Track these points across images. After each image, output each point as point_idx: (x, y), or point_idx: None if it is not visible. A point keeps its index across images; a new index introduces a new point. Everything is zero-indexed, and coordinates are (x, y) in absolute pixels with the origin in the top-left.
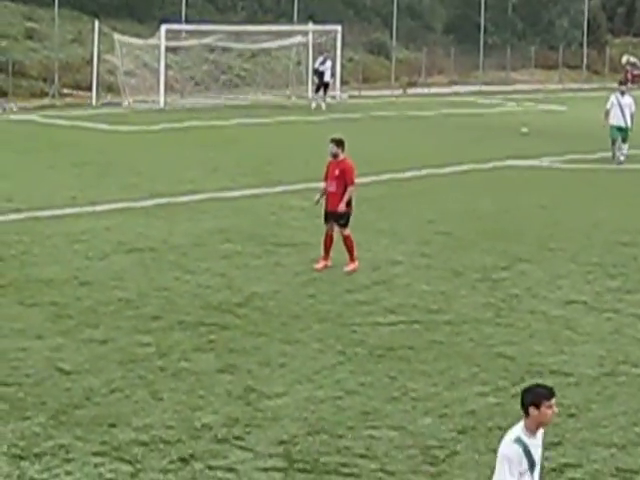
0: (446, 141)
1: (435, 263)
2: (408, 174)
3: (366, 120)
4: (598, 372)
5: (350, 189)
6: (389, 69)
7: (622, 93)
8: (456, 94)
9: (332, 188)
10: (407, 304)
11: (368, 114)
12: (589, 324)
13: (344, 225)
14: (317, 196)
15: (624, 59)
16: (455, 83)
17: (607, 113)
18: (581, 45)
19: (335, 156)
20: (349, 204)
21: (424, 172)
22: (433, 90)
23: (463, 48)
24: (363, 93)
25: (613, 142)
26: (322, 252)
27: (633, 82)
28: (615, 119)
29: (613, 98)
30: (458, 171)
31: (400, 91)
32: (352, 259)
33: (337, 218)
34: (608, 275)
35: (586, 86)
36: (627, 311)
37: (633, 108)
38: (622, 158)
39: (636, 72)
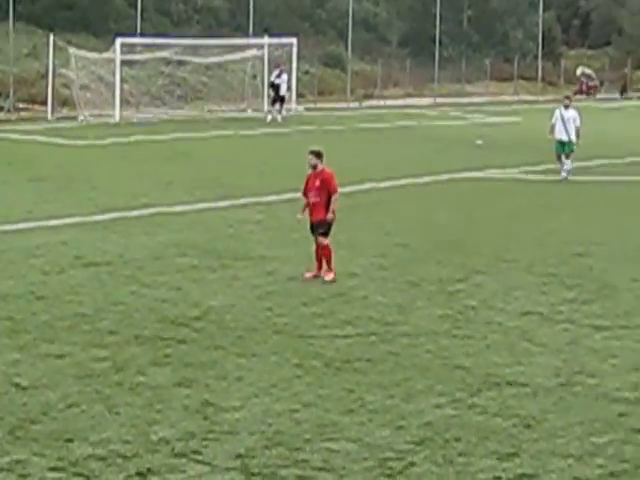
0: (402, 153)
1: (392, 275)
2: (366, 186)
3: (322, 132)
4: (554, 383)
5: (335, 197)
6: (345, 82)
7: (566, 107)
8: (412, 106)
9: (315, 199)
10: (363, 316)
11: (324, 126)
12: (545, 335)
13: (324, 234)
14: (299, 215)
15: (579, 71)
16: (410, 95)
17: (552, 127)
18: (536, 57)
19: (314, 167)
20: (333, 213)
21: (381, 184)
22: (389, 102)
23: (418, 60)
24: (319, 105)
25: (558, 157)
26: (315, 262)
27: (588, 94)
28: (558, 133)
29: (557, 112)
30: (415, 183)
31: (356, 103)
32: (330, 268)
33: (318, 227)
34: (564, 286)
35: (541, 98)
36: (583, 322)
37: (578, 122)
38: (564, 174)
39: (591, 84)
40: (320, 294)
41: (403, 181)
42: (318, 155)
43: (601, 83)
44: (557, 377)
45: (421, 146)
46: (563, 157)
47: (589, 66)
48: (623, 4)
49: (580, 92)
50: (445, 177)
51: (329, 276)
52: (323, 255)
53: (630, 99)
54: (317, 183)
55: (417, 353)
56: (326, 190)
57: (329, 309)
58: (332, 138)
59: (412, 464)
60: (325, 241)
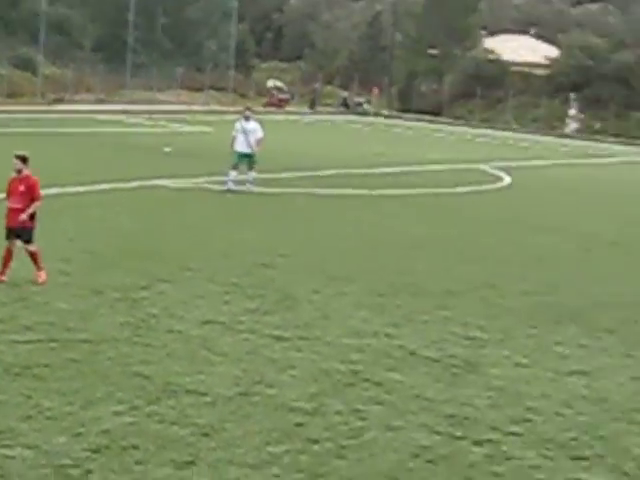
0: (90, 159)
1: (75, 281)
2: (51, 191)
3: (10, 135)
4: (233, 392)
5: (36, 204)
6: (35, 85)
7: (247, 118)
8: (102, 112)
9: (17, 204)
10: (45, 322)
11: (12, 129)
12: (226, 344)
13: (28, 241)
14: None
15: (270, 83)
16: (102, 101)
17: (234, 140)
18: (228, 68)
19: (19, 172)
20: (32, 219)
21: (66, 190)
22: (80, 107)
23: (111, 67)
24: (8, 108)
25: (234, 167)
26: (0, 267)
27: (280, 106)
28: (239, 145)
29: (238, 124)
30: (101, 189)
31: (46, 107)
32: (39, 268)
33: (20, 234)
34: (246, 296)
35: (232, 109)
36: (263, 332)
37: (259, 134)
38: (249, 185)
39: (282, 96)
40: (1, 298)
41: (89, 187)
42: (24, 160)
43: (292, 96)
44: (236, 386)
45: (110, 152)
46: (245, 169)
47: (281, 79)
48: (315, 19)
49: (271, 104)
50: (133, 184)
51: (42, 277)
52: (32, 259)
53: (320, 113)
54: (21, 188)
55: (97, 360)
56: (30, 196)
57: (10, 314)
58: (20, 141)
59: (89, 472)
60: (31, 248)
